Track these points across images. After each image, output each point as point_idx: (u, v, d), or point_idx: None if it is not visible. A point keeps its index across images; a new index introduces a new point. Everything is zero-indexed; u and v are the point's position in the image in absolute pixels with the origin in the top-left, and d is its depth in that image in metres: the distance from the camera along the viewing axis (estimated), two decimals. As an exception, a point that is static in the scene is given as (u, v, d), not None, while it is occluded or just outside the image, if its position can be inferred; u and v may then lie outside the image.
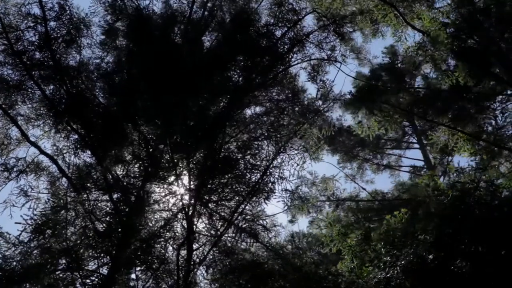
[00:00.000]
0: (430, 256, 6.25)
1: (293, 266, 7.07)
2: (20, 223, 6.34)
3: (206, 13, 8.52)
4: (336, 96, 7.65)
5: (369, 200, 13.69)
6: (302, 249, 7.49)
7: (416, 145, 15.82)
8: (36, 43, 6.99)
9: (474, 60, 8.66)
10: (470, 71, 8.78)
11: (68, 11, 7.03)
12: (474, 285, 5.72)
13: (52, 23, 7.05)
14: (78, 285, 6.87)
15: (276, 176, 6.87)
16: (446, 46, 8.71)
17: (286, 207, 6.86)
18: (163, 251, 7.22)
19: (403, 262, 6.25)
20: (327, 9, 8.32)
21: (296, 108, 7.37)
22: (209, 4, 8.58)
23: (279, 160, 6.93)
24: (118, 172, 7.69)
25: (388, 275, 6.37)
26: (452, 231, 6.22)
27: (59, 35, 7.06)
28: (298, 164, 6.68)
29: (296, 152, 6.78)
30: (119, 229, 7.24)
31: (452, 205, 6.63)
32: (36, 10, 7.03)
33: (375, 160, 15.99)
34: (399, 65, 12.35)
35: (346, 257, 7.34)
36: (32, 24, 6.87)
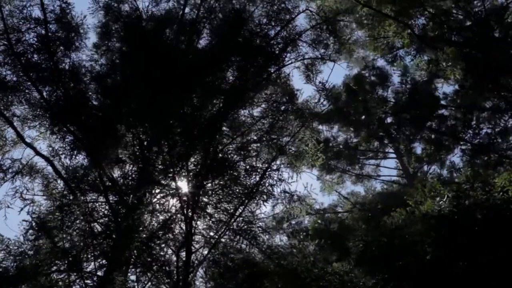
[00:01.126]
0: (428, 257, 6.28)
1: (289, 265, 7.09)
2: (26, 221, 6.26)
3: (199, 14, 8.47)
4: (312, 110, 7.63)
5: (349, 210, 13.79)
6: (299, 248, 7.50)
7: (393, 155, 15.99)
8: (35, 45, 6.93)
9: (483, 72, 8.78)
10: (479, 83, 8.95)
11: (69, 14, 6.98)
12: (473, 285, 5.78)
13: (52, 26, 7.03)
14: (75, 286, 6.83)
15: (275, 178, 6.87)
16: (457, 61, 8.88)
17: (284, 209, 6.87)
18: (161, 252, 7.20)
19: (400, 263, 6.28)
20: (319, 8, 8.34)
21: (291, 109, 7.36)
22: (203, 5, 8.51)
23: (278, 162, 6.95)
24: (114, 174, 7.63)
25: (386, 275, 6.40)
26: (450, 232, 6.27)
27: (58, 37, 7.00)
28: (296, 166, 6.70)
29: (292, 154, 6.78)
30: (116, 231, 7.19)
31: (449, 206, 6.68)
32: (37, 12, 7.01)
33: (354, 171, 15.92)
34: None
35: (343, 258, 7.35)
36: (33, 26, 6.81)
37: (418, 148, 13.45)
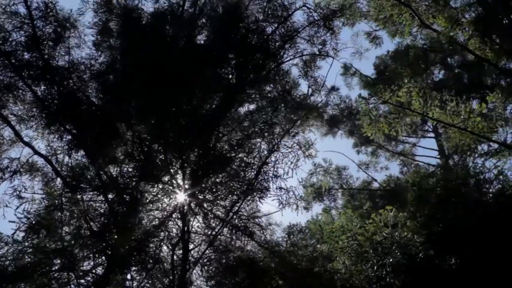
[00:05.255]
0: (421, 255, 6.15)
1: (289, 263, 6.90)
2: (14, 222, 6.11)
3: (198, 10, 8.28)
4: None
5: (379, 189, 13.40)
6: (298, 245, 7.31)
7: (431, 134, 15.41)
8: (23, 43, 6.65)
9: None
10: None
11: (54, 10, 6.76)
12: (464, 282, 5.61)
13: (39, 23, 6.75)
14: (72, 285, 6.69)
15: (271, 174, 6.66)
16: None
17: (281, 206, 6.67)
18: (158, 250, 7.03)
19: (391, 260, 6.17)
20: (317, 5, 8.11)
21: (289, 105, 7.16)
22: (202, 1, 8.33)
23: (273, 158, 6.73)
24: (112, 172, 7.48)
25: (377, 273, 6.27)
26: (441, 230, 6.13)
27: (46, 34, 6.78)
28: (292, 162, 6.49)
29: (289, 150, 6.57)
30: (114, 229, 7.05)
31: (440, 203, 6.51)
32: (22, 10, 6.79)
33: (389, 147, 15.42)
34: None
35: (338, 258, 7.18)
36: (19, 25, 6.55)
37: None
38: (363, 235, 6.56)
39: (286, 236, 7.70)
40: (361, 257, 6.37)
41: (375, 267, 6.10)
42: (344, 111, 14.25)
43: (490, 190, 6.39)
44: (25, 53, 6.61)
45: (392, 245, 6.41)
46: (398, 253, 6.24)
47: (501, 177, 6.22)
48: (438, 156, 14.86)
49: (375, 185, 14.62)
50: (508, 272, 5.27)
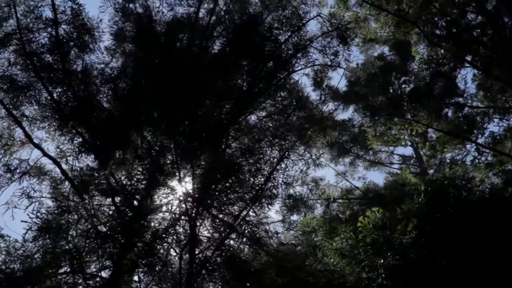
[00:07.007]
0: (413, 256, 6.22)
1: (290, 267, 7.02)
2: (25, 222, 6.04)
3: (212, 18, 8.36)
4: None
5: (360, 198, 13.52)
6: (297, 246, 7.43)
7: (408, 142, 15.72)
8: (47, 45, 6.74)
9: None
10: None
11: (80, 16, 6.86)
12: (457, 283, 5.75)
13: (65, 27, 6.86)
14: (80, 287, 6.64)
15: (280, 181, 6.81)
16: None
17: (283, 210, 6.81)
18: (165, 253, 7.07)
19: (382, 261, 6.16)
20: (331, 15, 8.31)
21: (300, 114, 7.32)
22: (216, 10, 8.42)
23: (282, 165, 6.89)
24: (121, 176, 7.48)
25: (369, 274, 6.34)
26: (432, 230, 6.19)
27: (70, 38, 6.87)
28: (301, 170, 6.66)
29: (299, 157, 6.75)
30: (122, 233, 7.04)
31: (429, 203, 6.67)
32: (48, 13, 6.86)
33: (367, 156, 15.41)
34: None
35: (331, 260, 7.28)
36: (43, 26, 6.64)
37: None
38: (353, 238, 6.66)
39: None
40: (353, 259, 6.46)
41: (367, 269, 6.19)
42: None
43: (485, 187, 6.52)
44: (47, 55, 6.62)
45: (382, 246, 6.45)
46: (390, 254, 6.18)
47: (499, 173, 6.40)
48: (416, 164, 15.28)
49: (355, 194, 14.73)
50: (504, 272, 5.28)
